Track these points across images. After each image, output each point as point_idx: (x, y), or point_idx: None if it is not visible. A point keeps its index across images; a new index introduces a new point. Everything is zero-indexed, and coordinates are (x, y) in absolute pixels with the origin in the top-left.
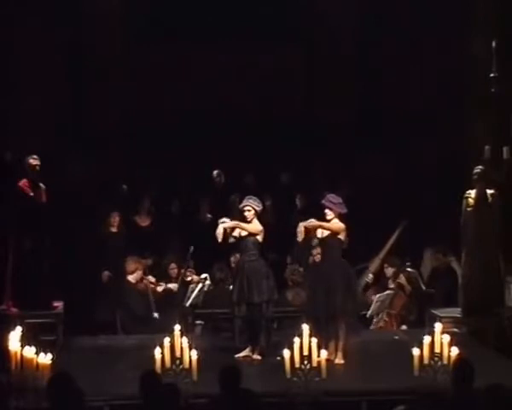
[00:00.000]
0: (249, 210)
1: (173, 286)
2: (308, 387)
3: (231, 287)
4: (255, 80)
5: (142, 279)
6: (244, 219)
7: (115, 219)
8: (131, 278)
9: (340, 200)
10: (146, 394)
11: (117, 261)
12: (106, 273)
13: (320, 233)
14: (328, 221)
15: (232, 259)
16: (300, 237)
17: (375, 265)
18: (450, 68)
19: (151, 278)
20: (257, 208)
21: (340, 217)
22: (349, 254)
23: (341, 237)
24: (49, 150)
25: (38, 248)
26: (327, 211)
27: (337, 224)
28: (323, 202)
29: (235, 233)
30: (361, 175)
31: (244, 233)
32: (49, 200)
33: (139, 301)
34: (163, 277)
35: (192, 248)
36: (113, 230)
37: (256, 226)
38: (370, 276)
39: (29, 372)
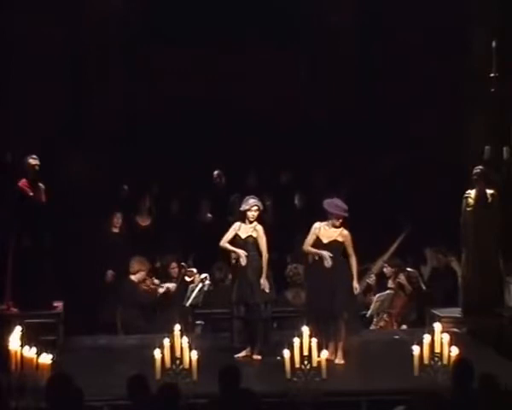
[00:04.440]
0: (257, 210)
1: (172, 286)
2: (308, 387)
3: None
4: (255, 80)
5: (144, 280)
6: (244, 219)
7: (118, 219)
8: (134, 277)
9: (338, 202)
10: (134, 397)
11: (118, 261)
12: (110, 272)
13: (326, 239)
14: (338, 227)
15: (233, 254)
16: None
17: (377, 267)
18: (450, 68)
19: (155, 281)
20: (261, 208)
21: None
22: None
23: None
24: (49, 150)
25: (38, 247)
26: (339, 220)
27: (348, 235)
28: (332, 211)
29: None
30: (361, 175)
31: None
32: (49, 200)
33: (141, 300)
34: (164, 277)
35: (191, 261)
36: (116, 230)
37: (264, 238)
38: (373, 277)
39: (29, 372)
